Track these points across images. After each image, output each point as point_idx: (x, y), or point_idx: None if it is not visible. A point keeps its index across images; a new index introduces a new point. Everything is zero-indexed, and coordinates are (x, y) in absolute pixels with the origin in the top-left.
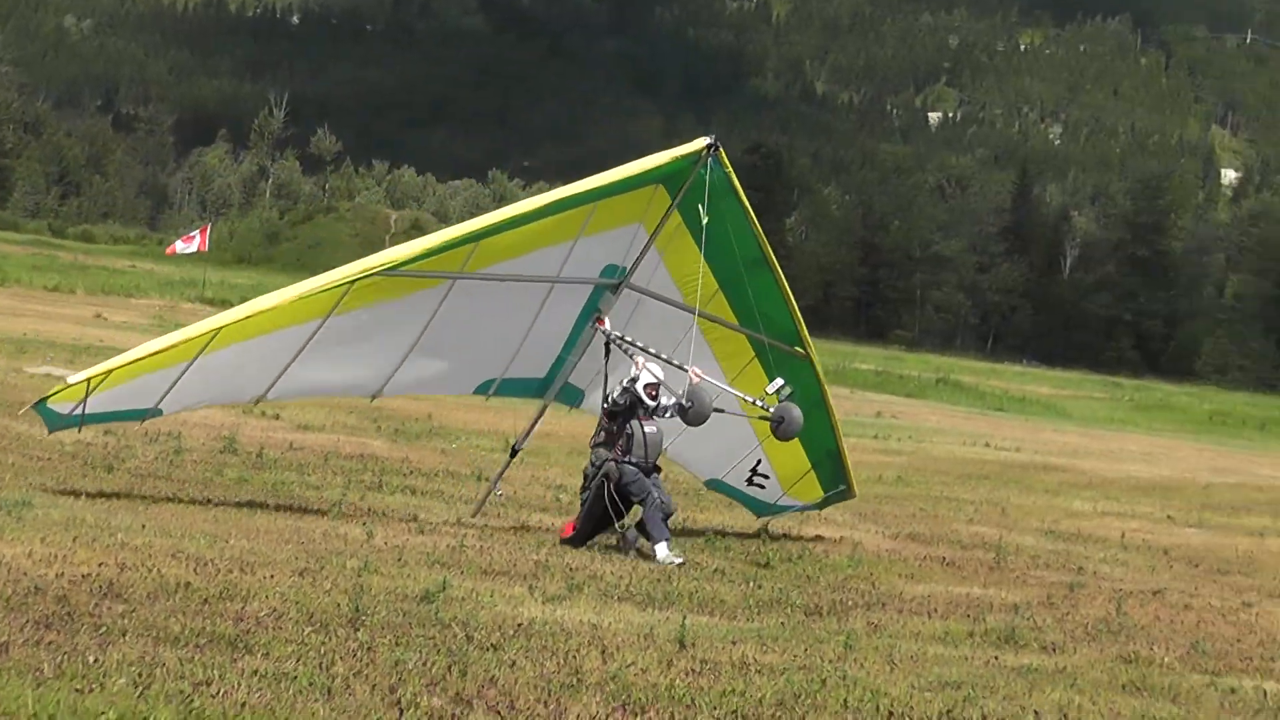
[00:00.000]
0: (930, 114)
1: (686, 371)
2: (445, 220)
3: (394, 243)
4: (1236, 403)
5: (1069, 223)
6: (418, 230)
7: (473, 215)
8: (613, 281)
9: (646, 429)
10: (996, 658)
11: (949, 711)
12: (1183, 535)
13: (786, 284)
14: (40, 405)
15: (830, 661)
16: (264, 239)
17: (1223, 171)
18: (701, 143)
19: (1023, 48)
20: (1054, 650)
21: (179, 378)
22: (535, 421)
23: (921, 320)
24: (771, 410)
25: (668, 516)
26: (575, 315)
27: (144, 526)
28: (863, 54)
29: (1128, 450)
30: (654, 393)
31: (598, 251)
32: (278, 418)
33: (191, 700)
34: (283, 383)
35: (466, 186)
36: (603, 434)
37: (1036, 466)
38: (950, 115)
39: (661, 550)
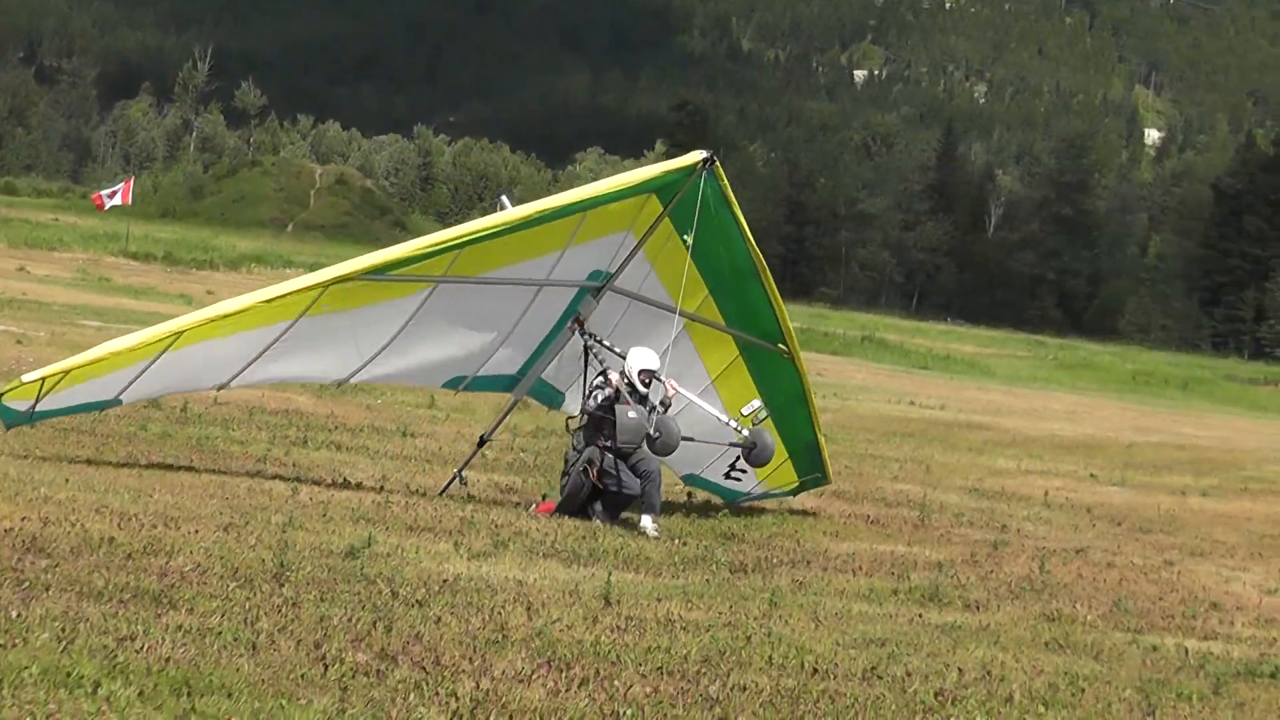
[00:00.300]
0: (856, 72)
1: (663, 383)
2: (370, 175)
3: (318, 199)
4: (1159, 362)
5: (993, 181)
6: (343, 185)
7: (398, 171)
8: (596, 285)
9: (630, 414)
10: (920, 615)
11: (873, 668)
12: (1105, 494)
13: (777, 293)
14: None
15: (755, 618)
16: (188, 193)
17: (1146, 131)
18: (697, 156)
19: (948, 6)
20: (977, 608)
21: (140, 374)
22: (505, 415)
23: (847, 278)
24: (745, 433)
25: (629, 500)
26: (555, 318)
27: (67, 481)
28: (789, 12)
29: (1051, 409)
30: (648, 380)
31: (585, 259)
32: None
33: (115, 655)
34: (246, 375)
35: (392, 142)
36: (585, 418)
37: (961, 424)
38: (876, 73)
39: (648, 523)
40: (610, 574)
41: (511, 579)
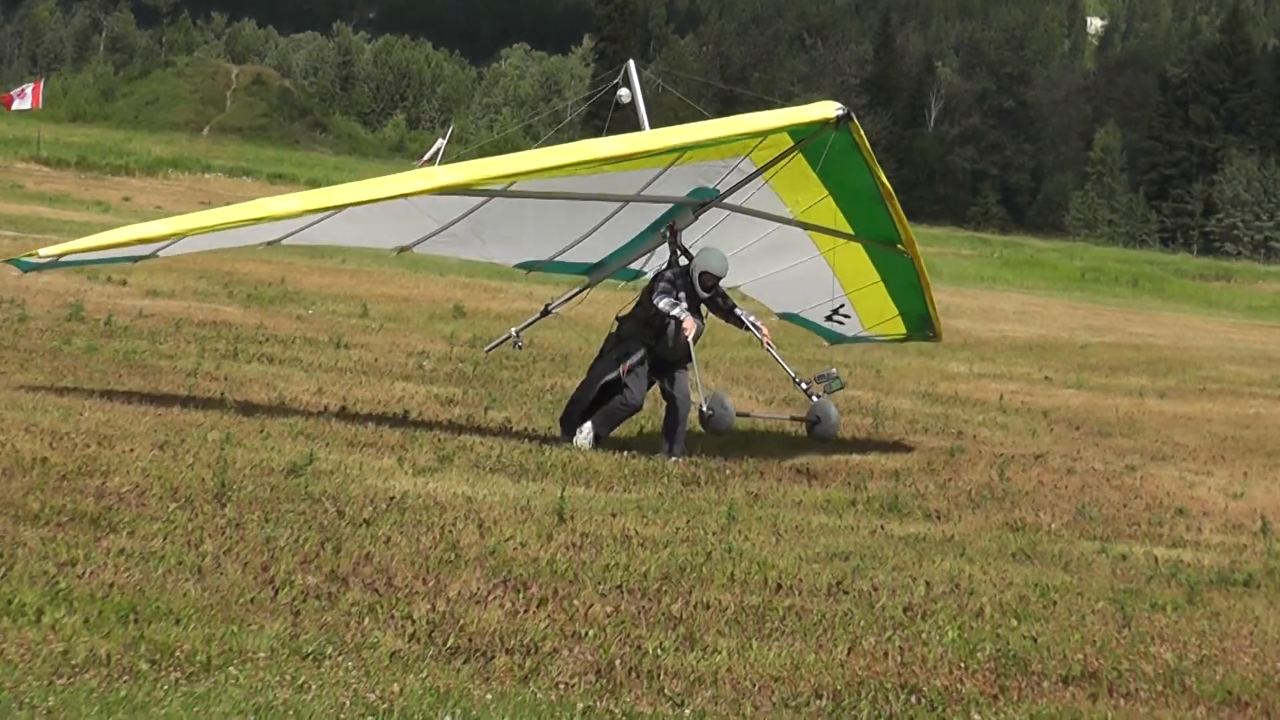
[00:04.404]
0: None
1: (759, 333)
2: (288, 74)
3: (235, 100)
4: (1107, 259)
5: (932, 73)
6: (260, 86)
7: (317, 70)
8: (698, 201)
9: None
10: (882, 527)
11: (839, 583)
12: (1062, 397)
13: (902, 214)
14: (13, 260)
15: (714, 533)
16: (99, 95)
17: (1088, 20)
18: (830, 111)
19: None
20: (939, 518)
21: (176, 241)
22: (577, 292)
23: None
24: (814, 400)
25: (624, 416)
26: (648, 223)
27: None
28: None
29: (1001, 309)
30: (710, 283)
31: (688, 178)
32: (125, 284)
33: (57, 581)
34: (297, 237)
35: (310, 40)
36: (638, 310)
37: None
38: None
39: (582, 435)
40: (563, 488)
41: (460, 495)
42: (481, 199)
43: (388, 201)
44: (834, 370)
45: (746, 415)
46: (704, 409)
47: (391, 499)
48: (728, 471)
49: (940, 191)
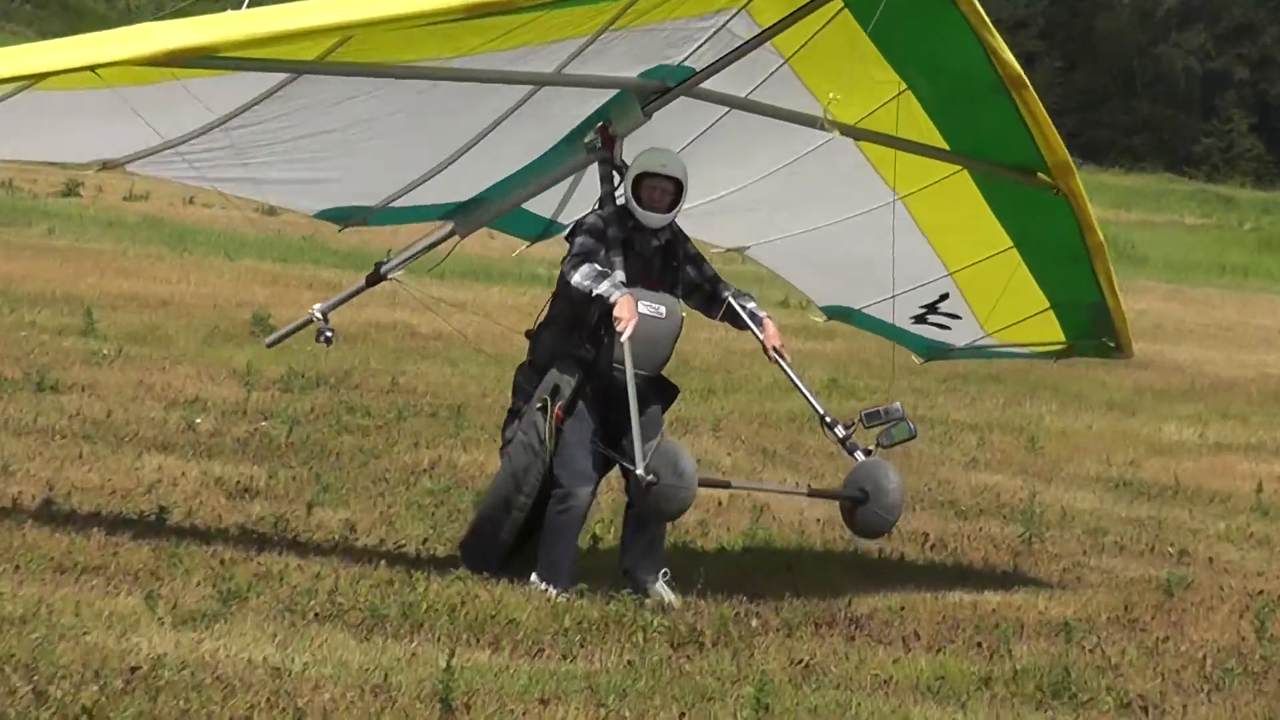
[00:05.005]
0: None
1: (759, 332)
2: None
3: None
4: None
5: None
6: None
7: None
8: (655, 85)
9: (643, 308)
10: None
11: None
12: None
13: (1044, 113)
14: None
15: None
16: None
17: None
18: None
19: None
20: (1148, 709)
21: None
22: (435, 242)
23: None
24: (859, 458)
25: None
26: (552, 136)
27: None
28: None
29: (1258, 326)
30: (663, 198)
31: (637, 48)
32: None
33: None
34: None
35: None
36: (559, 307)
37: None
38: None
39: (550, 594)
40: (452, 653)
41: (261, 664)
42: (253, 95)
43: (71, 86)
44: (898, 406)
45: (724, 485)
46: (644, 473)
47: (134, 670)
48: (754, 621)
49: (1144, 111)
